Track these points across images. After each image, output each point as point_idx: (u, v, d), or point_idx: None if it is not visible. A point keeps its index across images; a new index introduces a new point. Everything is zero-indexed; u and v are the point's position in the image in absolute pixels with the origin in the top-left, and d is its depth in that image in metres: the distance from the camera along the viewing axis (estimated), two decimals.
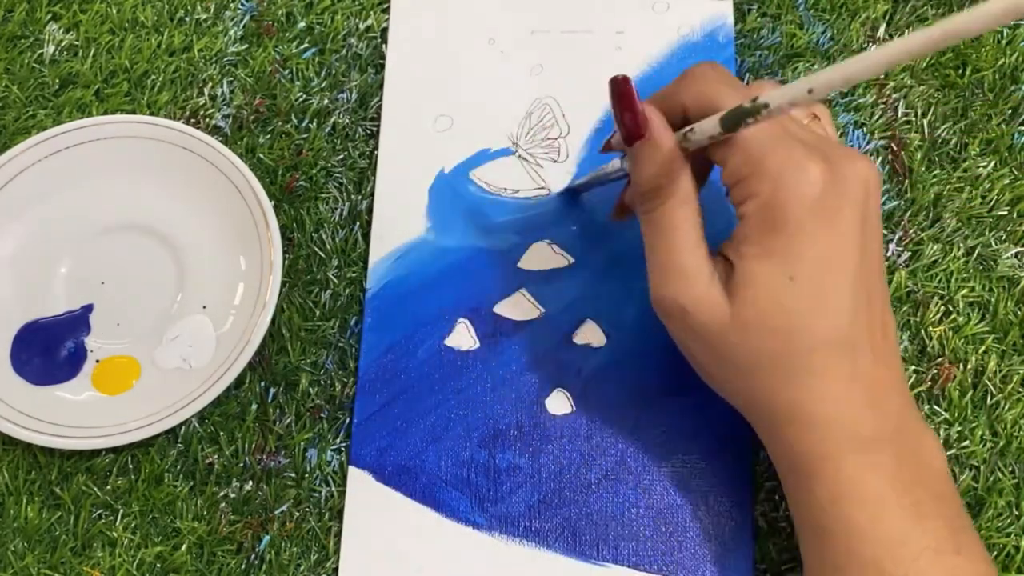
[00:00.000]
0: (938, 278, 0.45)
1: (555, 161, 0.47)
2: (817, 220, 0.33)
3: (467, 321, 0.45)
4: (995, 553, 0.41)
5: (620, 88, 0.35)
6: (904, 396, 0.36)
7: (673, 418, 0.43)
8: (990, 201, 0.46)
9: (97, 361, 0.45)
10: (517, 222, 0.46)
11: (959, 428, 0.43)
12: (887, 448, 0.34)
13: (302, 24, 0.50)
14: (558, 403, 0.43)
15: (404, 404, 0.44)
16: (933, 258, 0.46)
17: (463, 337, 0.44)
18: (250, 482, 0.43)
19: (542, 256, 0.46)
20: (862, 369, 0.34)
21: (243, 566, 0.42)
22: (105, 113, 0.49)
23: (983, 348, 0.44)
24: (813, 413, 0.34)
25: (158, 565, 0.42)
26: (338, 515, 0.42)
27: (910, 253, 0.46)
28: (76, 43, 0.51)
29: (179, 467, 0.43)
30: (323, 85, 0.49)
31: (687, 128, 0.35)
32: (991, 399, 0.43)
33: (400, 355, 0.44)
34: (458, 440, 0.43)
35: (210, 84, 0.50)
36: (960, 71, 0.49)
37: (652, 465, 0.42)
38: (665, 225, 0.35)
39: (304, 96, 0.49)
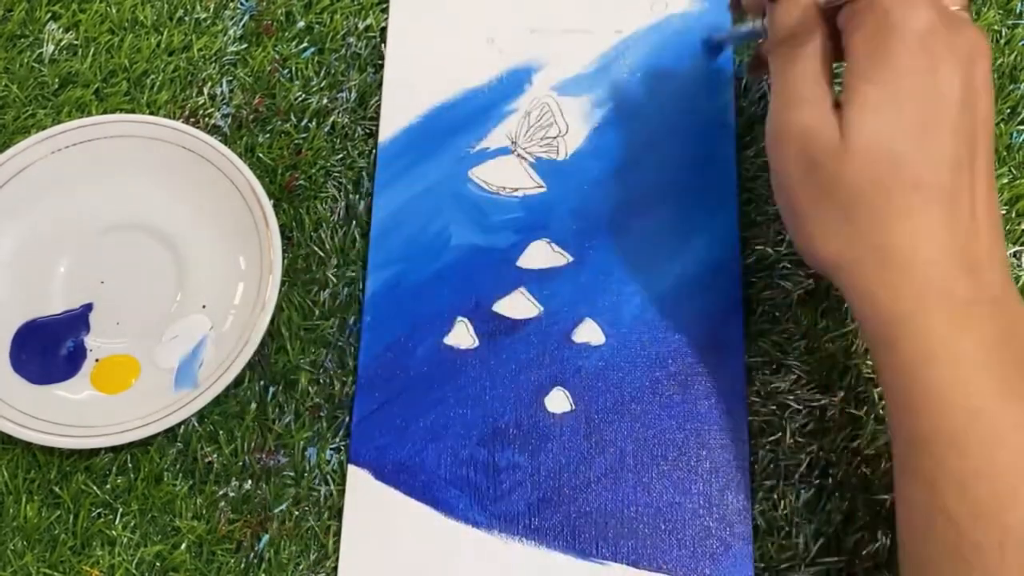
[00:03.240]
0: None
1: (554, 160, 0.47)
2: (919, 60, 0.34)
3: (466, 320, 0.45)
4: None
5: None
6: (1004, 274, 0.35)
7: (672, 416, 0.43)
8: None
9: (96, 360, 0.45)
10: (516, 221, 0.46)
11: None
12: (983, 315, 0.33)
13: (301, 23, 0.50)
14: (557, 401, 0.43)
15: (403, 402, 0.44)
16: None
17: (462, 336, 0.45)
18: (249, 481, 0.43)
19: (541, 255, 0.46)
20: (962, 226, 0.34)
21: (242, 565, 0.42)
22: (104, 112, 0.49)
23: None
24: (908, 258, 0.34)
25: (157, 564, 0.42)
26: (337, 514, 0.42)
27: None
28: (75, 42, 0.51)
29: (178, 466, 0.43)
30: (322, 84, 0.49)
31: None
32: None
33: (399, 354, 0.44)
34: (457, 438, 0.43)
35: (209, 83, 0.50)
36: None
37: (651, 463, 0.42)
38: (796, 58, 0.36)
39: (303, 95, 0.49)
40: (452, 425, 0.43)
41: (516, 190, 0.47)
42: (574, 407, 0.43)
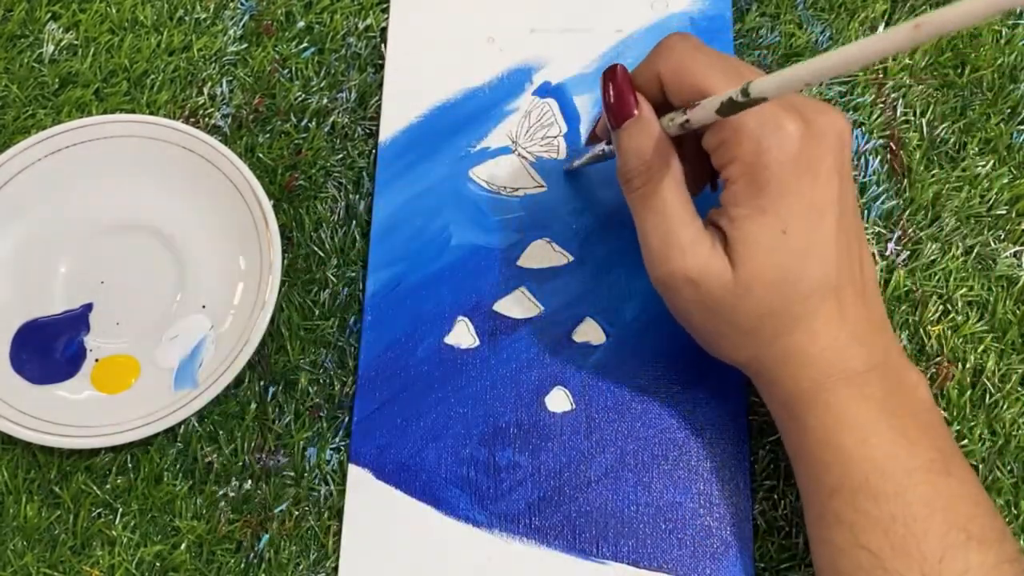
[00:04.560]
0: (937, 277, 0.45)
1: (555, 159, 0.47)
2: (799, 174, 0.35)
3: (467, 319, 0.45)
4: None
5: (613, 73, 0.37)
6: (888, 333, 0.37)
7: (673, 415, 0.43)
8: (989, 200, 0.47)
9: (96, 360, 0.45)
10: (516, 220, 0.46)
11: (958, 427, 0.43)
12: (875, 380, 0.36)
13: (301, 23, 0.50)
14: (558, 401, 0.43)
15: (404, 402, 0.44)
16: (932, 257, 0.46)
17: (463, 335, 0.45)
18: (249, 481, 0.43)
19: (542, 254, 0.46)
20: (850, 309, 0.36)
21: (242, 565, 0.42)
22: (104, 112, 0.49)
23: (982, 347, 0.44)
24: (808, 353, 0.36)
25: (157, 564, 0.42)
26: (337, 514, 0.42)
27: (909, 252, 0.46)
28: (75, 42, 0.51)
29: (178, 466, 0.43)
30: (322, 84, 0.49)
31: (683, 118, 0.35)
32: (990, 398, 0.43)
33: (400, 353, 0.44)
34: (458, 438, 0.43)
35: (209, 83, 0.50)
36: (959, 70, 0.49)
37: (652, 463, 0.42)
38: (659, 202, 0.36)
39: (303, 95, 0.49)
40: (453, 424, 0.43)
41: (516, 189, 0.47)
42: (574, 406, 0.43)
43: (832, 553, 0.36)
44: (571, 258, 0.46)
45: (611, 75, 0.37)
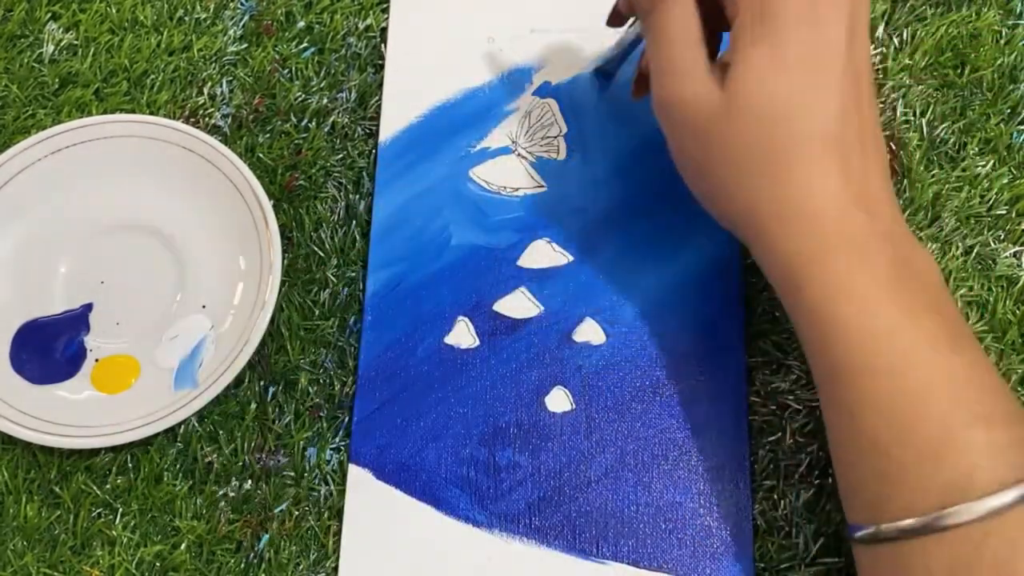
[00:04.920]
0: None
1: (554, 159, 0.47)
2: (808, 14, 0.34)
3: (467, 319, 0.45)
4: None
5: None
6: (895, 209, 0.36)
7: (673, 415, 0.43)
8: (989, 200, 0.47)
9: (96, 360, 0.45)
10: (516, 220, 0.46)
11: None
12: (878, 250, 0.34)
13: (301, 23, 0.50)
14: (558, 401, 0.43)
15: (404, 402, 0.44)
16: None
17: (463, 335, 0.45)
18: (249, 481, 0.43)
19: (541, 254, 0.46)
20: (853, 170, 0.35)
21: (242, 565, 0.42)
22: (104, 112, 0.49)
23: (982, 347, 0.44)
24: (804, 208, 0.35)
25: (157, 564, 0.42)
26: (337, 514, 0.42)
27: None
28: (75, 42, 0.51)
29: (178, 466, 0.43)
30: (322, 84, 0.49)
31: None
32: None
33: (400, 353, 0.44)
34: (458, 438, 0.43)
35: (209, 83, 0.50)
36: (959, 70, 0.49)
37: (652, 463, 0.42)
38: (664, 26, 0.37)
39: (303, 95, 0.49)
40: (453, 424, 0.43)
41: (516, 190, 0.47)
42: (574, 406, 0.43)
43: (836, 440, 0.35)
44: (571, 258, 0.46)
45: None
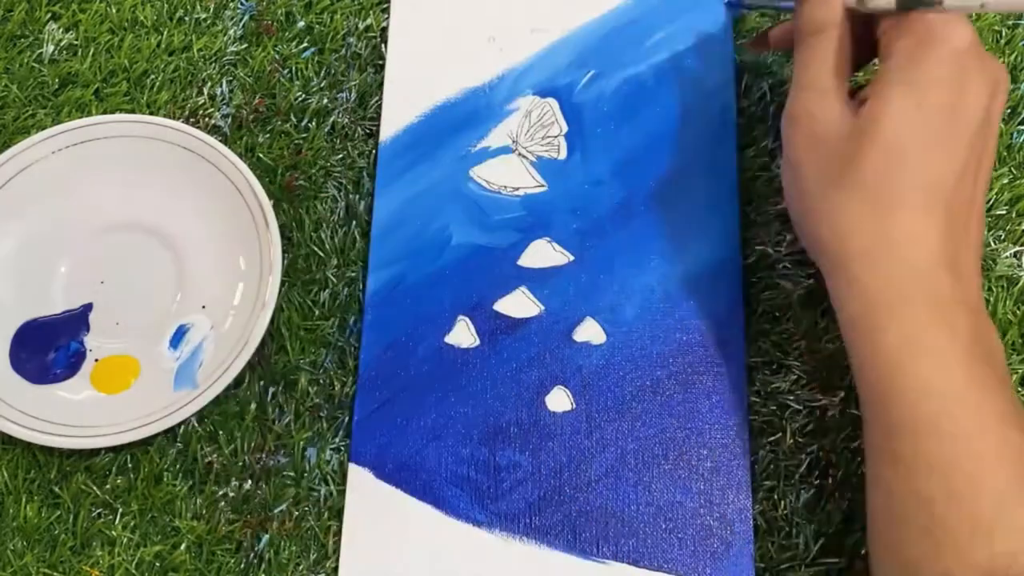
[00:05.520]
0: None
1: (555, 159, 0.47)
2: (952, 74, 0.35)
3: (467, 319, 0.45)
4: None
5: None
6: (979, 287, 0.36)
7: (673, 415, 0.43)
8: (989, 200, 0.46)
9: (96, 360, 0.45)
10: (517, 220, 0.46)
11: None
12: (960, 314, 0.35)
13: (301, 23, 0.50)
14: (558, 400, 0.43)
15: (404, 401, 0.44)
16: None
17: (463, 335, 0.45)
18: (249, 481, 0.43)
19: (542, 254, 0.46)
20: (956, 234, 0.35)
21: (242, 565, 0.42)
22: (104, 112, 0.49)
23: None
24: (897, 252, 0.35)
25: (157, 564, 0.42)
26: (337, 514, 0.42)
27: None
28: (75, 42, 0.51)
29: (178, 466, 0.43)
30: (322, 84, 0.49)
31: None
32: None
33: (400, 352, 0.44)
34: (458, 437, 0.43)
35: (209, 83, 0.50)
36: None
37: (652, 462, 0.42)
38: (820, 50, 0.38)
39: (303, 95, 0.49)
40: (453, 424, 0.43)
41: (517, 189, 0.47)
42: (575, 406, 0.43)
43: (885, 493, 0.35)
44: (571, 258, 0.46)
45: None
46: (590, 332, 0.44)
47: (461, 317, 0.45)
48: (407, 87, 0.48)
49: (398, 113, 0.48)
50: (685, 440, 0.42)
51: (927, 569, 0.33)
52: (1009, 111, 0.48)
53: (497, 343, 0.44)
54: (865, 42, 0.39)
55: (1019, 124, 0.48)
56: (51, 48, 0.50)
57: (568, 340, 0.44)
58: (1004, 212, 0.46)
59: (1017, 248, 0.46)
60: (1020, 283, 0.45)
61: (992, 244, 0.46)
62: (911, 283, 0.35)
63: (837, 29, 0.38)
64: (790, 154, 0.39)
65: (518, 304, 0.45)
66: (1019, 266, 0.46)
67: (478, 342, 0.44)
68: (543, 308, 0.45)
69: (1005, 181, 0.47)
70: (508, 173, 0.47)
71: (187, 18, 0.51)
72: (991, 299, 0.45)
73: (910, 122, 0.35)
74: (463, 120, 0.48)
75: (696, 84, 0.48)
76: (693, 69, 0.48)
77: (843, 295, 0.36)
